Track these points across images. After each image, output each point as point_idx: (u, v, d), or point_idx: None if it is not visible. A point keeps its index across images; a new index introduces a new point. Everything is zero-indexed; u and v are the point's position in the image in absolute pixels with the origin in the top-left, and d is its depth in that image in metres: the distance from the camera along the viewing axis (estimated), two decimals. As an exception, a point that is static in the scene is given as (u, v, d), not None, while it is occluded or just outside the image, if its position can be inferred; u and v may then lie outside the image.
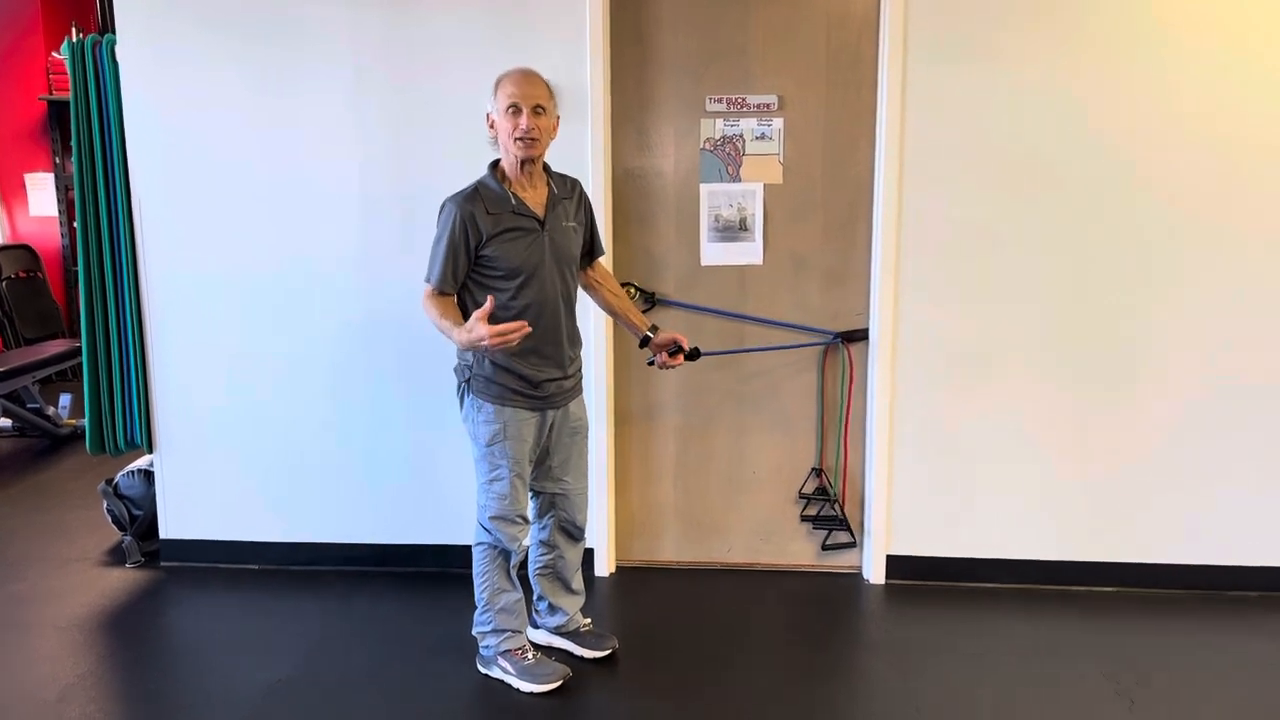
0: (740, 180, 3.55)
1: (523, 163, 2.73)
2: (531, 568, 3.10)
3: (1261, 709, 2.79)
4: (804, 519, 3.73)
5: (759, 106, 3.51)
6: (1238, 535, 3.51)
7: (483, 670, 2.97)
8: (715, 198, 3.56)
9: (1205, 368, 3.43)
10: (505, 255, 2.70)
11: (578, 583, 3.12)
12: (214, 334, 3.69)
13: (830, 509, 3.69)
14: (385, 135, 3.52)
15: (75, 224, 3.85)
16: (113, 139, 3.62)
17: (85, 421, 3.75)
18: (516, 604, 2.92)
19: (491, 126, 2.74)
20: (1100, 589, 3.56)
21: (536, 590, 3.11)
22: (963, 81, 3.34)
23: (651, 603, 3.45)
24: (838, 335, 3.59)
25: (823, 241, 3.57)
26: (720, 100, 3.52)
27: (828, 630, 3.29)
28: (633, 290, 3.61)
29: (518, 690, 2.86)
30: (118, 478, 3.98)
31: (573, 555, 3.08)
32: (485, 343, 2.48)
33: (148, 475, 3.92)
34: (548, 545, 3.05)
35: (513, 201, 2.72)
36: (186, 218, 3.63)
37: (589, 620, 3.14)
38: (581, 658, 3.05)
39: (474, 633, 2.97)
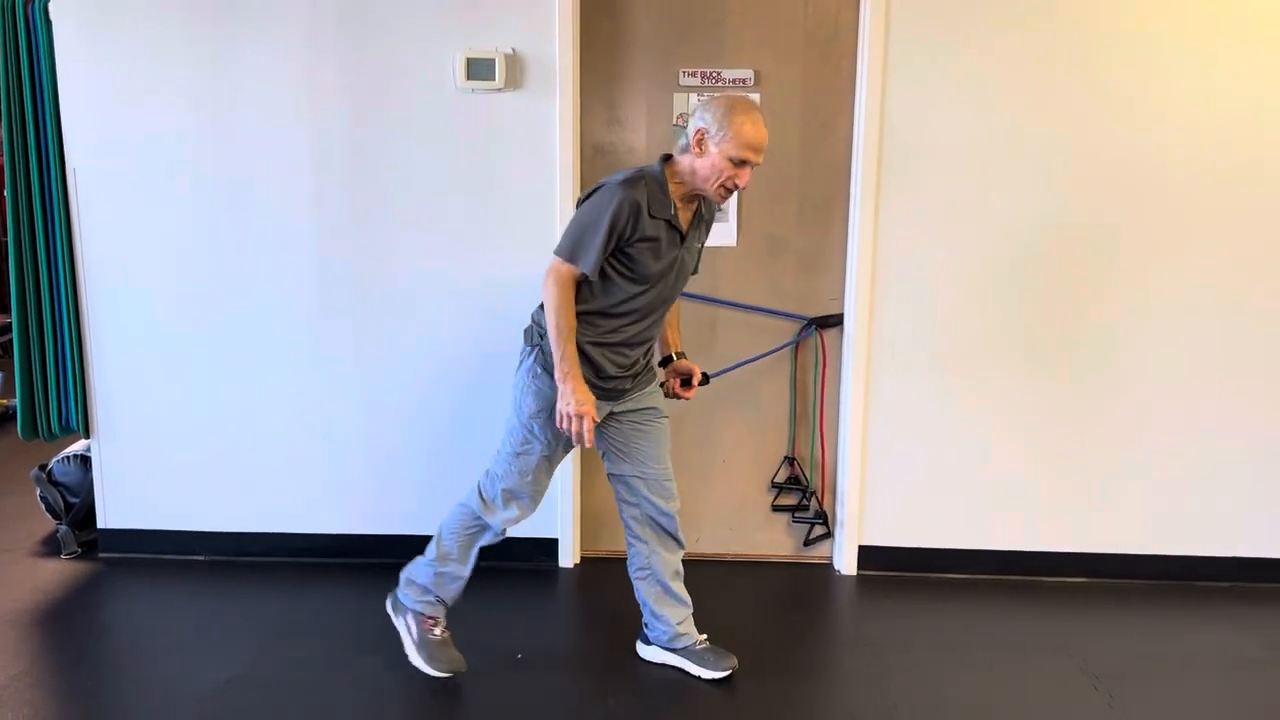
0: (714, 158, 3.42)
1: (701, 194, 2.58)
2: (630, 571, 2.89)
3: (1238, 700, 2.77)
4: (775, 509, 3.64)
5: (734, 81, 3.38)
6: (1209, 526, 3.49)
7: (390, 613, 2.84)
8: (688, 176, 3.43)
9: (1178, 360, 3.40)
10: (643, 263, 2.53)
11: (680, 589, 2.86)
12: (157, 310, 3.48)
13: (804, 499, 3.61)
14: (339, 108, 3.34)
15: (5, 192, 3.63)
16: (45, 104, 3.38)
17: (16, 403, 3.53)
18: (458, 581, 2.77)
19: (700, 144, 2.50)
20: (1072, 580, 3.53)
21: (639, 597, 2.89)
22: (948, 56, 3.25)
23: (618, 594, 3.34)
24: (812, 321, 3.49)
25: (798, 223, 3.46)
26: (694, 74, 3.38)
27: (798, 622, 3.21)
28: (601, 271, 3.48)
29: (407, 656, 2.76)
30: (52, 463, 3.76)
31: (668, 555, 2.83)
32: (572, 412, 2.46)
33: (84, 461, 3.71)
34: (637, 539, 2.83)
35: (671, 212, 2.55)
36: (125, 189, 3.41)
37: (704, 636, 2.89)
38: (699, 678, 2.82)
39: (403, 574, 2.81)
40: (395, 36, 3.29)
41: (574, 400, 2.46)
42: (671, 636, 2.86)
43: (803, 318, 3.50)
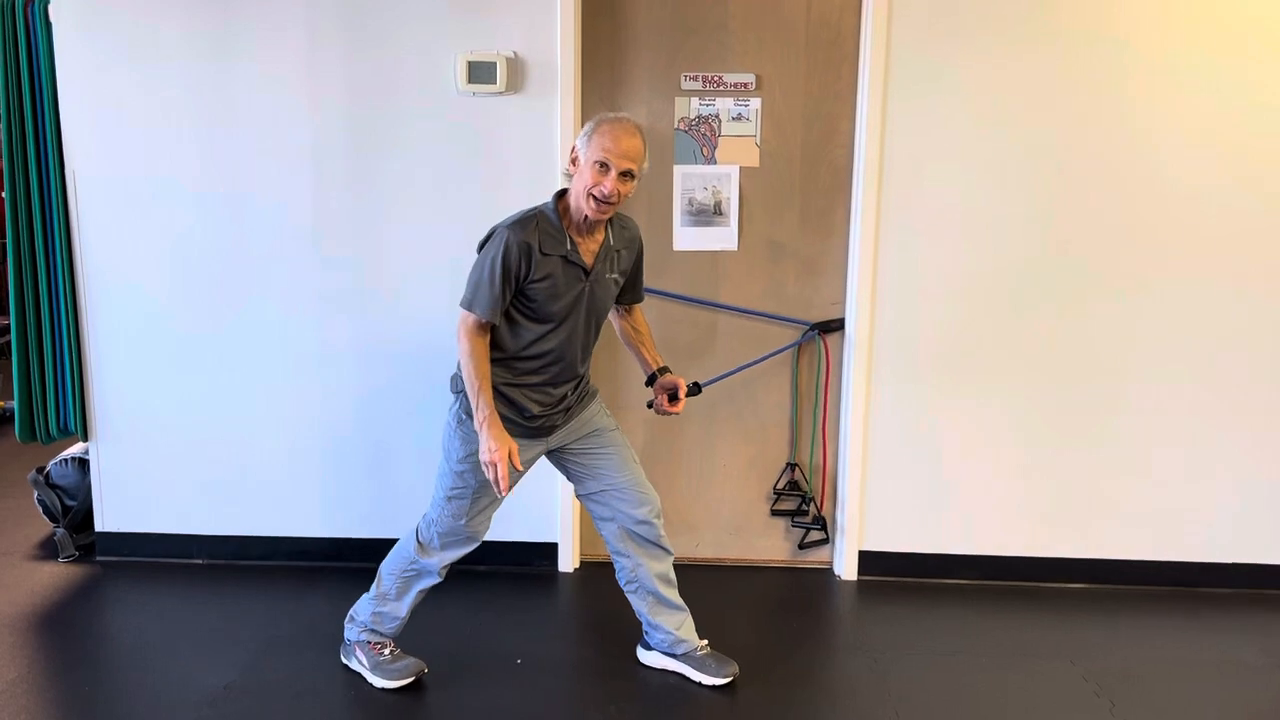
0: (715, 162, 3.41)
1: (588, 217, 2.56)
2: (621, 585, 2.88)
3: (1239, 707, 2.75)
4: (775, 514, 3.63)
5: (736, 85, 3.37)
6: (1211, 532, 3.49)
7: (344, 661, 2.85)
8: (689, 180, 3.42)
9: (1179, 366, 3.39)
10: (543, 301, 2.52)
11: (673, 596, 2.84)
12: (155, 313, 3.47)
13: (804, 506, 3.60)
14: (339, 112, 3.33)
15: (4, 194, 3.61)
16: (44, 106, 3.37)
17: (14, 406, 3.51)
18: (396, 620, 2.78)
19: (574, 163, 2.51)
20: (1072, 585, 3.52)
21: (635, 608, 2.88)
22: (950, 62, 3.24)
23: (618, 599, 3.32)
24: (814, 327, 3.48)
25: (800, 228, 3.45)
26: (696, 78, 3.38)
27: (798, 628, 3.20)
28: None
29: (372, 685, 2.76)
30: (49, 466, 3.75)
31: (654, 564, 2.80)
32: (490, 459, 2.45)
33: (82, 464, 3.69)
34: (619, 554, 2.82)
35: (568, 247, 2.53)
36: (125, 191, 3.40)
37: (705, 642, 2.88)
38: (700, 684, 2.81)
39: (348, 616, 2.85)
40: (396, 40, 3.28)
41: (488, 447, 2.44)
42: (672, 643, 2.85)
43: (804, 323, 3.49)
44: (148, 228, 3.42)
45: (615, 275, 2.67)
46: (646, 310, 3.43)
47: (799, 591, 3.47)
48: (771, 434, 3.59)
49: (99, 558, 3.62)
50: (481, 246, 2.55)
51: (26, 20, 3.32)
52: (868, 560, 3.55)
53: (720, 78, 3.37)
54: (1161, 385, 3.40)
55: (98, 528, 3.61)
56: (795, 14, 3.33)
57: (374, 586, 2.80)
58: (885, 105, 3.27)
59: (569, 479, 2.83)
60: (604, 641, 3.06)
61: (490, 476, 2.45)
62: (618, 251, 2.66)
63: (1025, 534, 3.51)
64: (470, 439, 2.57)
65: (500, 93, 3.28)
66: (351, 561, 3.59)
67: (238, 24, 3.29)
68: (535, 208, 2.56)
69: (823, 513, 3.61)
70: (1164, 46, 3.21)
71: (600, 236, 2.60)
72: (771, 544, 3.66)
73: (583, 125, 3.33)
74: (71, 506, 3.70)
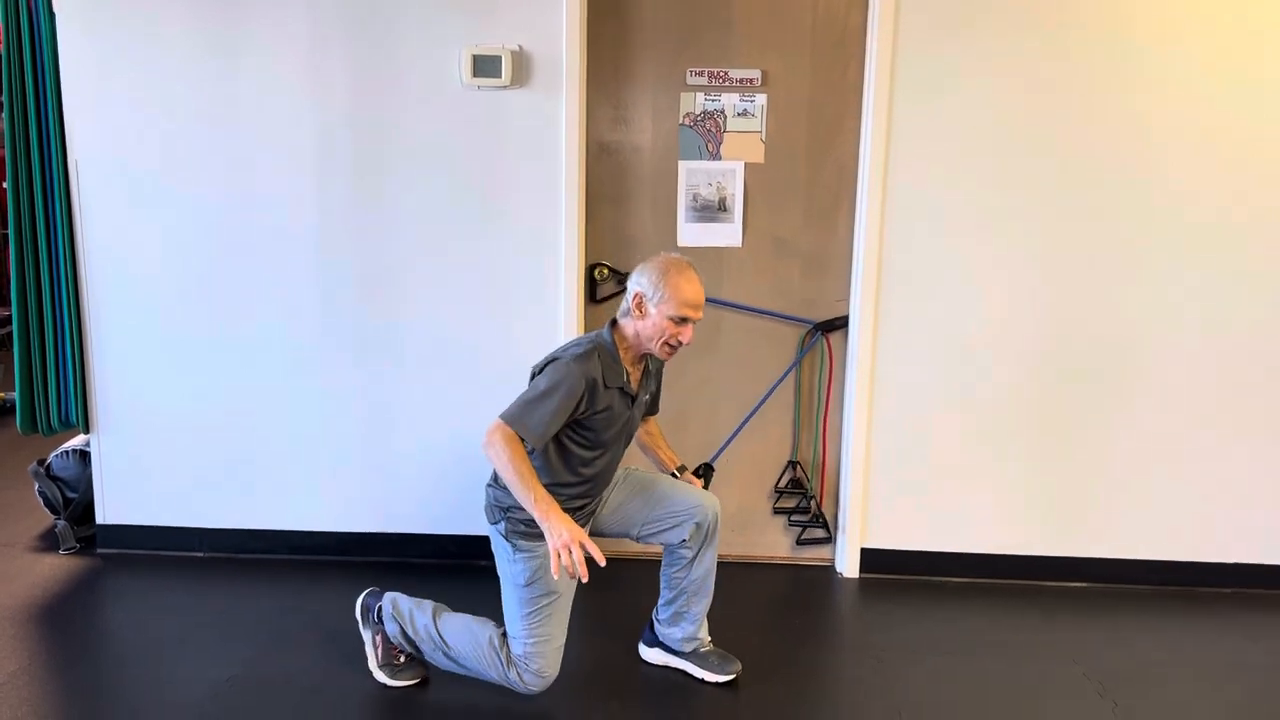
0: (720, 158, 3.40)
1: (653, 356, 2.60)
2: (666, 570, 2.84)
3: (1241, 707, 2.75)
4: (777, 512, 3.63)
5: (741, 81, 3.36)
6: (1212, 532, 3.48)
7: (358, 615, 2.83)
8: (694, 176, 3.41)
9: (1182, 366, 3.39)
10: (599, 431, 2.54)
11: (710, 589, 2.84)
12: (158, 305, 3.46)
13: (806, 504, 3.60)
14: (343, 104, 3.32)
15: (5, 184, 3.60)
16: (47, 95, 3.36)
17: (15, 397, 3.51)
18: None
19: (640, 307, 2.52)
20: (1075, 585, 3.52)
21: (665, 594, 2.85)
22: (956, 59, 3.23)
23: (619, 595, 3.33)
24: (818, 327, 3.47)
25: (804, 225, 3.44)
26: (701, 74, 3.36)
27: (800, 625, 3.20)
28: (605, 270, 3.46)
29: (372, 673, 2.77)
30: (50, 458, 3.74)
31: (707, 552, 2.79)
32: (560, 544, 2.29)
33: (83, 456, 3.69)
34: (686, 544, 2.77)
35: (625, 379, 2.56)
36: (127, 182, 3.39)
37: (710, 639, 2.90)
38: (703, 681, 2.82)
39: (391, 601, 2.73)
40: (400, 33, 3.27)
41: (561, 533, 2.31)
42: (687, 637, 2.85)
43: (808, 322, 3.48)
44: (150, 220, 3.41)
45: (648, 396, 2.73)
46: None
47: (801, 589, 3.47)
48: (773, 432, 3.58)
49: (100, 550, 3.61)
50: (538, 371, 2.52)
51: (30, 8, 3.31)
52: (870, 558, 3.54)
53: (726, 73, 3.36)
54: (1165, 384, 3.40)
55: (99, 520, 3.61)
56: (802, 10, 3.32)
57: (435, 630, 2.67)
58: (891, 102, 3.26)
59: (623, 535, 2.83)
60: (606, 638, 3.06)
61: (565, 561, 2.30)
62: (654, 374, 2.75)
63: (1027, 533, 3.51)
64: (528, 555, 2.56)
65: (505, 86, 3.27)
66: (354, 556, 3.58)
67: (241, 18, 3.28)
68: (594, 339, 2.55)
69: (823, 510, 3.60)
70: (1171, 42, 3.20)
71: (643, 364, 2.67)
72: (773, 541, 3.66)
73: (587, 120, 3.34)
74: (73, 499, 3.69)
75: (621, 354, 2.57)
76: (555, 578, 2.40)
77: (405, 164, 3.35)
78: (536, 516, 2.36)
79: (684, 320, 2.51)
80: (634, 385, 2.62)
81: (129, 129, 3.35)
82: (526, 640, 2.58)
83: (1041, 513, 3.49)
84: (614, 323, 2.61)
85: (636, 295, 2.53)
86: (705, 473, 2.93)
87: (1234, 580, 3.51)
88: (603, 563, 2.32)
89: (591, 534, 2.76)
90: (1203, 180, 3.28)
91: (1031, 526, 3.50)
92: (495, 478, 2.60)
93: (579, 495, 2.61)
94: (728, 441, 3.56)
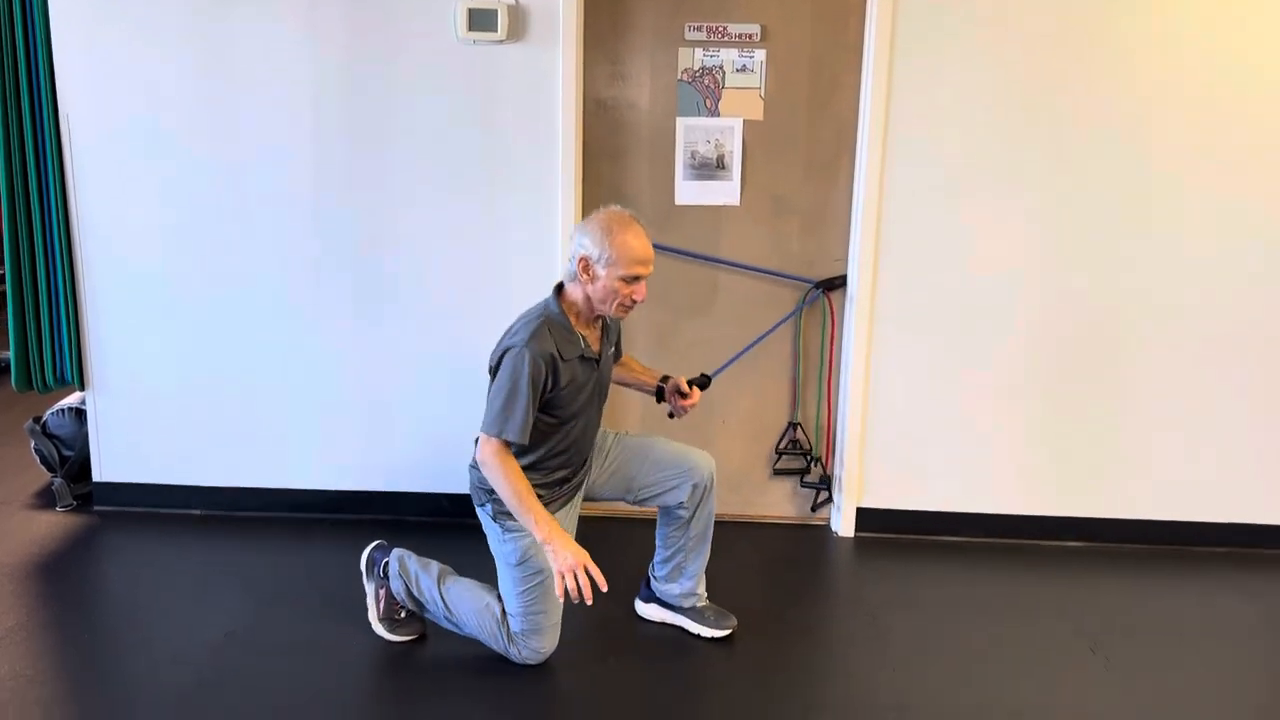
0: (719, 115, 3.37)
1: (607, 316, 2.54)
2: (662, 529, 2.83)
3: (1234, 665, 2.78)
4: (778, 473, 3.63)
5: (740, 36, 3.31)
6: (1209, 491, 3.49)
7: (363, 567, 2.79)
8: (692, 133, 3.38)
9: (1181, 324, 3.37)
10: (567, 404, 2.50)
11: (708, 547, 2.83)
12: (153, 263, 3.43)
13: (809, 465, 3.59)
14: (337, 59, 3.27)
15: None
16: (38, 50, 3.31)
17: (10, 355, 3.49)
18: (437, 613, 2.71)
19: (586, 270, 2.44)
20: (1071, 544, 3.53)
21: (661, 552, 2.84)
22: (958, 13, 3.18)
23: (615, 552, 3.33)
24: (818, 286, 3.45)
25: (804, 182, 3.41)
26: (700, 28, 3.32)
27: (796, 583, 3.21)
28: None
29: (370, 624, 2.76)
30: (46, 415, 3.73)
31: (704, 509, 2.77)
32: (565, 568, 2.30)
33: (79, 413, 3.68)
34: (683, 506, 2.75)
35: (582, 345, 2.50)
36: (121, 138, 3.35)
37: (706, 594, 2.90)
38: (699, 637, 2.82)
39: (398, 558, 2.73)
40: (395, -15, 3.22)
41: (565, 557, 2.32)
42: (683, 595, 2.85)
43: (807, 281, 3.46)
44: (144, 173, 3.37)
45: (612, 349, 2.69)
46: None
47: (797, 548, 3.48)
48: (773, 392, 3.58)
49: (96, 507, 3.61)
50: (495, 365, 2.47)
51: (17, -39, 3.25)
52: (866, 517, 3.55)
53: (724, 28, 3.31)
54: (1164, 343, 3.39)
55: (95, 477, 3.60)
56: (802, -37, 3.27)
57: (440, 594, 2.66)
58: (892, 57, 3.22)
59: (615, 500, 2.82)
60: (602, 594, 3.06)
61: (570, 585, 2.30)
62: (612, 329, 2.68)
63: (1024, 492, 3.52)
64: (516, 534, 2.54)
65: (501, 40, 3.23)
66: (349, 514, 3.59)
67: (233, -33, 3.22)
68: (541, 312, 2.49)
69: (829, 473, 3.60)
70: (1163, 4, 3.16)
71: (600, 322, 2.60)
72: (770, 501, 3.66)
73: (584, 76, 3.30)
74: (69, 456, 3.68)
75: (573, 321, 2.51)
76: (560, 600, 2.37)
77: (399, 119, 3.31)
78: (538, 538, 2.37)
79: (636, 279, 2.44)
80: (594, 348, 2.56)
81: (121, 84, 3.31)
82: (524, 618, 2.59)
83: (1039, 472, 3.50)
84: (560, 289, 2.54)
85: (582, 259, 2.44)
86: (703, 381, 2.85)
87: (1231, 539, 3.52)
88: (605, 587, 2.32)
89: (586, 499, 2.76)
90: (1208, 138, 3.24)
91: (1029, 486, 3.51)
92: (473, 464, 2.59)
93: (561, 466, 2.59)
94: (731, 361, 3.51)
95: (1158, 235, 3.31)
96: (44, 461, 3.70)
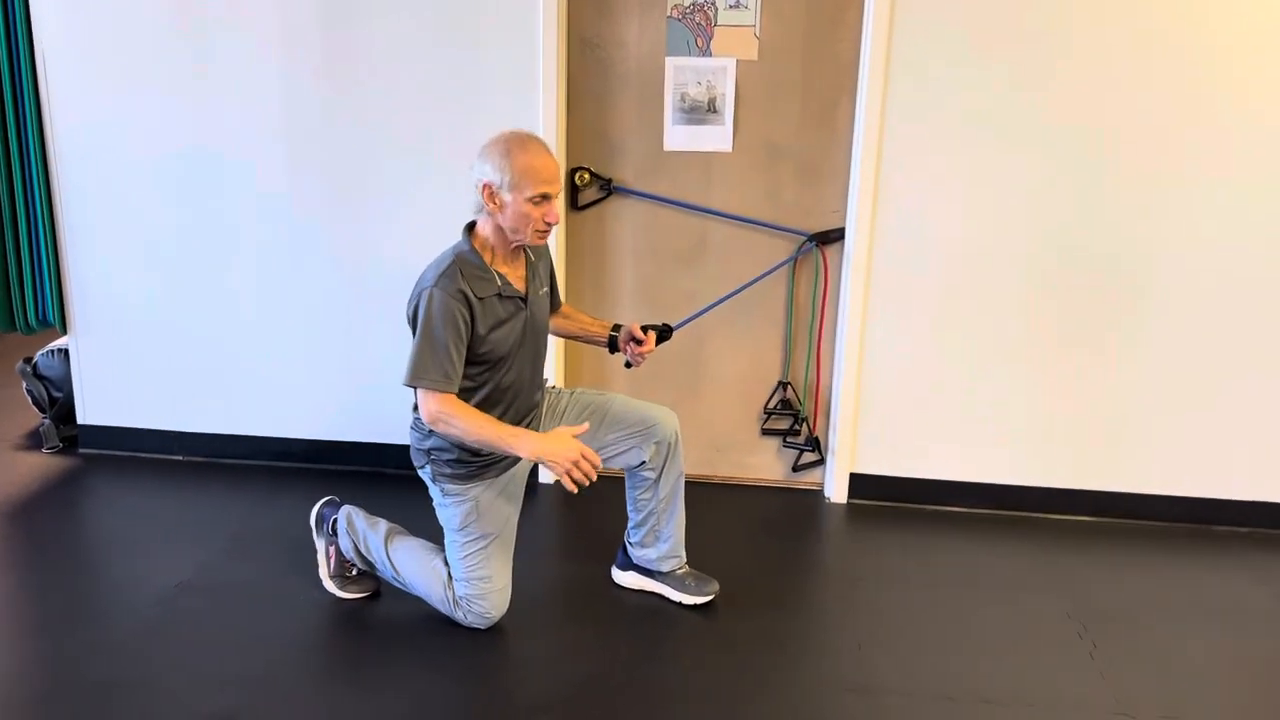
0: (711, 54, 3.17)
1: (523, 245, 2.39)
2: (631, 492, 2.72)
3: (1232, 655, 2.56)
4: (766, 433, 3.48)
5: (735, -30, 3.11)
6: (1228, 467, 3.25)
7: (311, 524, 2.75)
8: (682, 74, 3.19)
9: (1202, 292, 3.11)
10: (494, 347, 2.36)
11: (681, 506, 2.73)
12: (133, 205, 3.38)
13: (797, 426, 3.44)
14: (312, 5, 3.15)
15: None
16: (12, -19, 3.24)
17: (-6, 295, 3.48)
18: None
19: (492, 199, 2.31)
20: (1076, 518, 3.33)
21: (634, 516, 2.74)
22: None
23: (595, 518, 3.23)
24: (812, 238, 3.26)
25: (800, 128, 3.21)
26: (692, -39, 3.12)
27: (784, 549, 3.08)
28: (586, 175, 3.28)
29: (322, 583, 2.71)
30: (37, 357, 3.73)
31: (672, 468, 2.66)
32: (574, 464, 2.22)
33: (68, 355, 3.66)
34: (647, 466, 2.65)
35: (499, 283, 2.37)
36: (99, 75, 3.28)
37: (685, 561, 2.78)
38: (679, 604, 2.72)
39: (346, 516, 2.66)
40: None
41: (556, 454, 2.23)
42: (659, 559, 2.73)
43: (802, 233, 3.28)
44: (121, 115, 3.30)
45: (544, 290, 2.55)
46: (635, 215, 3.28)
47: (787, 513, 3.34)
48: (764, 349, 3.41)
49: (82, 450, 3.62)
50: (413, 316, 2.34)
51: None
52: (859, 483, 3.39)
53: (718, -39, 3.11)
54: (1180, 305, 3.13)
55: (79, 420, 3.60)
56: (802, -111, 3.04)
57: (386, 555, 2.60)
58: (896, -7, 2.98)
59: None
60: (580, 562, 2.96)
61: (578, 477, 2.24)
62: (538, 264, 2.53)
63: (1026, 461, 3.31)
64: (458, 498, 2.46)
65: (479, -26, 3.07)
66: (328, 464, 3.54)
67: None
68: (453, 252, 2.37)
69: (815, 434, 3.44)
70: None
71: (521, 258, 2.46)
72: (760, 462, 3.52)
73: (568, 12, 3.12)
74: (58, 398, 3.69)
75: (487, 258, 2.38)
76: (573, 491, 2.27)
77: (375, 59, 3.17)
78: (524, 453, 2.28)
79: (545, 197, 2.30)
80: (518, 285, 2.43)
81: (96, 18, 3.22)
82: (468, 582, 2.51)
83: (1042, 441, 3.29)
84: (471, 226, 2.42)
85: (485, 186, 2.31)
86: (663, 330, 2.70)
87: (1249, 519, 3.28)
88: (599, 463, 2.27)
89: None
90: (1223, 86, 2.95)
91: (1031, 455, 3.30)
92: (415, 420, 2.48)
93: (502, 416, 2.45)
94: (700, 313, 3.34)
95: (1174, 189, 3.04)
96: (35, 402, 3.72)
